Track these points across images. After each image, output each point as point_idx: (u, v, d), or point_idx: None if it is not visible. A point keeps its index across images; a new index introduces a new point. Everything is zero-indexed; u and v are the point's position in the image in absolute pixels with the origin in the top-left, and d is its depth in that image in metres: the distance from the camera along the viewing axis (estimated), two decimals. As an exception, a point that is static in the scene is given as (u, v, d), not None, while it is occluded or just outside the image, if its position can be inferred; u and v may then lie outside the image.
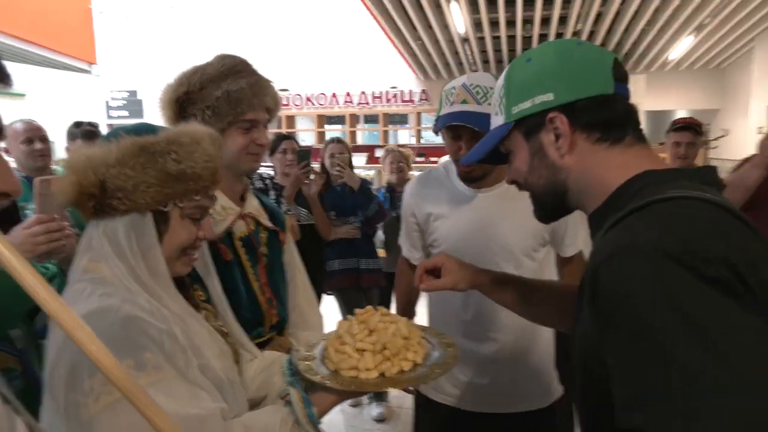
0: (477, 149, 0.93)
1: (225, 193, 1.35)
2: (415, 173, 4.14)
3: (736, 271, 0.57)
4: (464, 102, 1.40)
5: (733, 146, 8.86)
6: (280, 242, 1.49)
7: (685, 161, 2.93)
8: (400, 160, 3.74)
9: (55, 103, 9.86)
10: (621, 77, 0.78)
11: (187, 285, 1.04)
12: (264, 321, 1.38)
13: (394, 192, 3.69)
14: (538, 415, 1.54)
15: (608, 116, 0.77)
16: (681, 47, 8.07)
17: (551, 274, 1.58)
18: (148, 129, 0.92)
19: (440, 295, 1.55)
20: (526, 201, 0.89)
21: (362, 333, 0.98)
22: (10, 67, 0.58)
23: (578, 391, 0.78)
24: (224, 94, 1.27)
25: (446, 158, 1.62)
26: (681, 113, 9.90)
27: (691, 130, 2.94)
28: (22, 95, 9.86)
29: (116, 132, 0.90)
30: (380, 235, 3.64)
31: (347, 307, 3.27)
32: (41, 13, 9.87)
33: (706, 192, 0.67)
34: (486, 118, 1.01)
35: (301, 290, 1.55)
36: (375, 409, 3.34)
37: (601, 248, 0.68)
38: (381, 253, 3.59)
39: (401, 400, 3.45)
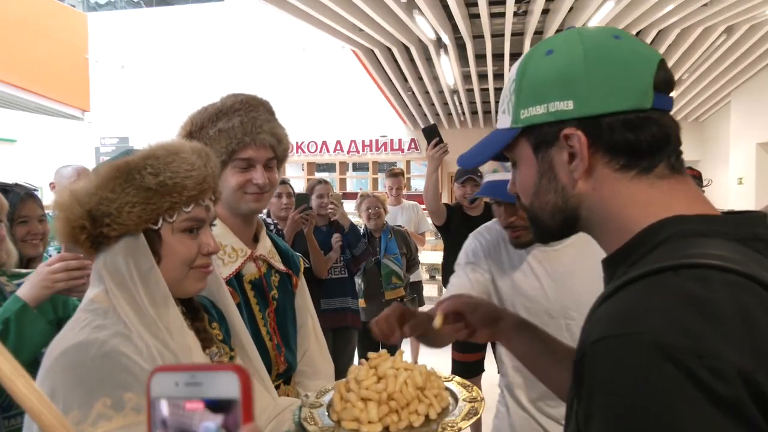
0: (474, 153, 0.76)
1: (236, 233, 1.31)
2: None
3: (761, 392, 0.43)
4: (495, 171, 1.36)
5: (714, 196, 9.06)
6: (292, 286, 1.44)
7: None
8: (377, 205, 3.70)
9: (46, 148, 9.88)
10: (664, 86, 0.61)
11: (202, 318, 1.00)
12: (271, 368, 1.32)
13: (372, 238, 3.65)
14: None
15: (639, 139, 0.60)
16: (661, 101, 8.35)
17: None
18: (126, 152, 0.92)
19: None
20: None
21: (370, 380, 0.90)
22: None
23: None
24: (216, 132, 1.24)
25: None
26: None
27: (694, 181, 2.81)
28: (13, 141, 9.87)
29: (99, 164, 0.91)
30: (358, 282, 3.57)
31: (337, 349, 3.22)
32: (38, 62, 10.04)
33: (750, 257, 0.52)
34: None
35: (311, 336, 1.48)
36: None
37: (594, 324, 0.54)
38: (360, 303, 3.53)
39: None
